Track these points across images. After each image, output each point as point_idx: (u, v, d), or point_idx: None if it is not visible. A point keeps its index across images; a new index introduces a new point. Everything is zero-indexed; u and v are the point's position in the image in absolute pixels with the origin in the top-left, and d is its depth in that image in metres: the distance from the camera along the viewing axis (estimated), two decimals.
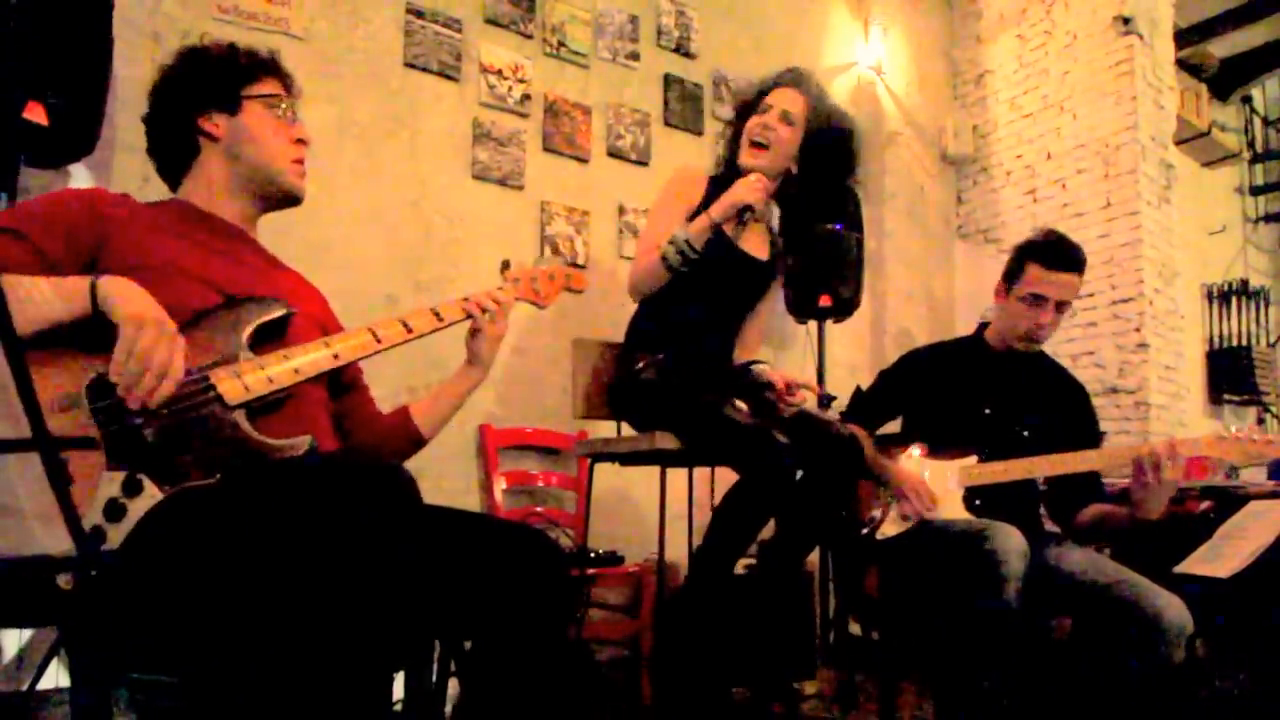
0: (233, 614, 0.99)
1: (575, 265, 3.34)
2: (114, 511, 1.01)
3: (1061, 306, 2.08)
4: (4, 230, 1.16)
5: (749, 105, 2.26)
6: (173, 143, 1.40)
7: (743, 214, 2.10)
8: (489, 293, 1.50)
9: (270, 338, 1.25)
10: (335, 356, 1.27)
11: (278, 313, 1.26)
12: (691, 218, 2.13)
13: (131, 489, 1.02)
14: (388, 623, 0.98)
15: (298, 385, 1.22)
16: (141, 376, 1.05)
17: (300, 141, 1.43)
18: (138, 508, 1.02)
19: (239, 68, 1.41)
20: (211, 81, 1.39)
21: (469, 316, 1.46)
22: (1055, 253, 2.07)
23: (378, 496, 1.01)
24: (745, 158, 2.20)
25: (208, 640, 1.00)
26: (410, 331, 1.37)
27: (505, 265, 1.59)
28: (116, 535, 0.99)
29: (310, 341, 1.27)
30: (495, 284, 1.53)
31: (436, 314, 1.43)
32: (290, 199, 1.44)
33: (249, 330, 1.21)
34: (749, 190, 2.07)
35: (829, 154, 2.22)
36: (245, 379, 1.16)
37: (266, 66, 1.44)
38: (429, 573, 1.12)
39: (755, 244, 2.24)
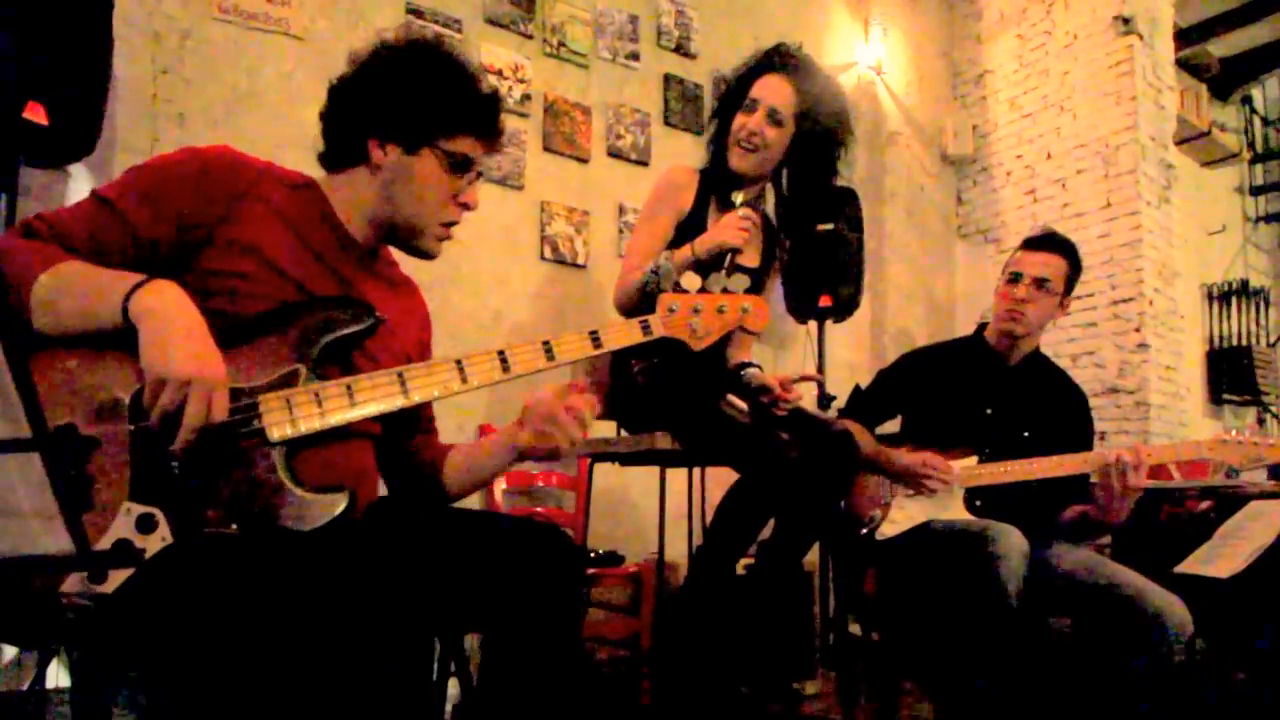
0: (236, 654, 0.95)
1: (576, 265, 3.34)
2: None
3: (1042, 284, 2.09)
4: (99, 200, 1.09)
5: (734, 96, 2.17)
6: (339, 138, 1.25)
7: (726, 255, 1.99)
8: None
9: (348, 352, 1.14)
10: (406, 395, 1.11)
11: (359, 325, 1.12)
12: (682, 226, 2.08)
13: (145, 527, 0.95)
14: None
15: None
16: (171, 429, 0.97)
17: (464, 205, 1.26)
18: (147, 548, 0.96)
19: (447, 112, 1.21)
20: (408, 110, 1.20)
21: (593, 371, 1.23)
22: (1034, 237, 2.19)
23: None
24: (735, 160, 2.13)
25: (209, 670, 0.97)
26: (507, 371, 1.16)
27: (656, 274, 1.35)
28: (120, 575, 0.93)
29: (382, 371, 1.13)
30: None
31: (548, 351, 1.20)
32: (420, 256, 1.29)
33: (319, 345, 1.09)
34: (734, 234, 1.97)
35: (820, 144, 2.14)
36: (296, 411, 1.04)
37: (477, 123, 1.24)
38: (445, 572, 1.10)
39: (744, 253, 2.14)
